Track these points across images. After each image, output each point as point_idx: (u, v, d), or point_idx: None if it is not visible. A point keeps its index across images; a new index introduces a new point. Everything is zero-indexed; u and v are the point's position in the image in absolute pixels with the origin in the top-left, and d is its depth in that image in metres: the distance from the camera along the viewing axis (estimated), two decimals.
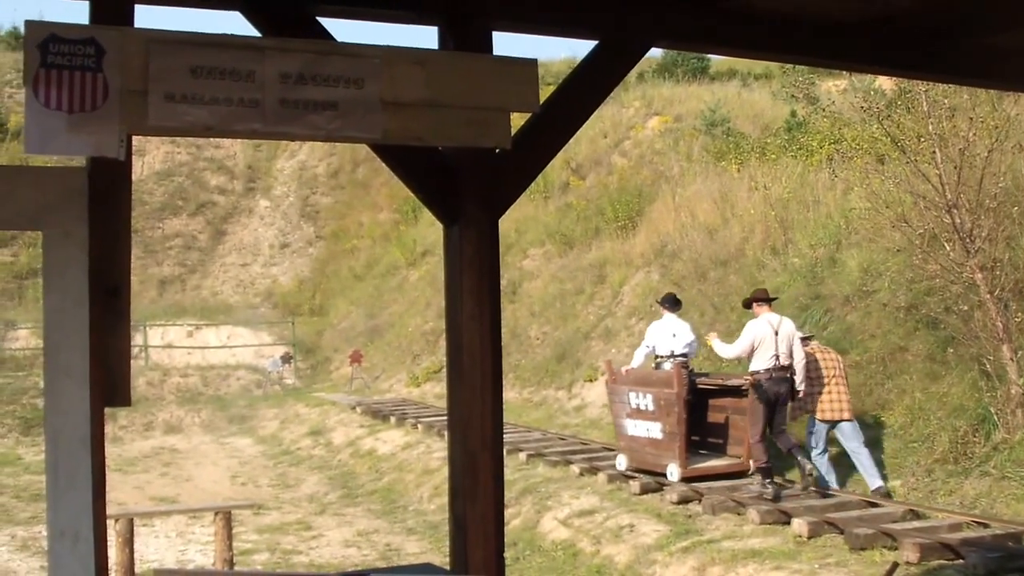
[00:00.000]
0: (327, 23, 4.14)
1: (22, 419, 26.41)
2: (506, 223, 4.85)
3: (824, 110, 23.78)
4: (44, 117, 3.16)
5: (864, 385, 14.89)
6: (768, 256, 20.00)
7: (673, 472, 13.90)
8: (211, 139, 40.33)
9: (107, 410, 3.69)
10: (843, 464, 13.54)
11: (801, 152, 23.69)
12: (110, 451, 3.92)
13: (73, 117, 3.18)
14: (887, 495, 12.72)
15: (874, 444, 13.97)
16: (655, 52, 21.04)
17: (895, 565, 9.40)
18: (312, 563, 13.87)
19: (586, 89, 4.65)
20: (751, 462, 13.92)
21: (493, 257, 4.36)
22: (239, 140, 40.47)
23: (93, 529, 3.57)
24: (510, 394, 22.42)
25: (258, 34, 3.95)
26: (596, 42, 4.64)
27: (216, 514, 12.71)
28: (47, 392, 3.61)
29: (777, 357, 12.77)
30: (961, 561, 9.90)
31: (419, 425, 21.60)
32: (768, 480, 12.71)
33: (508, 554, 4.39)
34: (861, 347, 15.58)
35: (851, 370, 15.08)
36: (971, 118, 13.39)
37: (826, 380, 13.27)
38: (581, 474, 15.51)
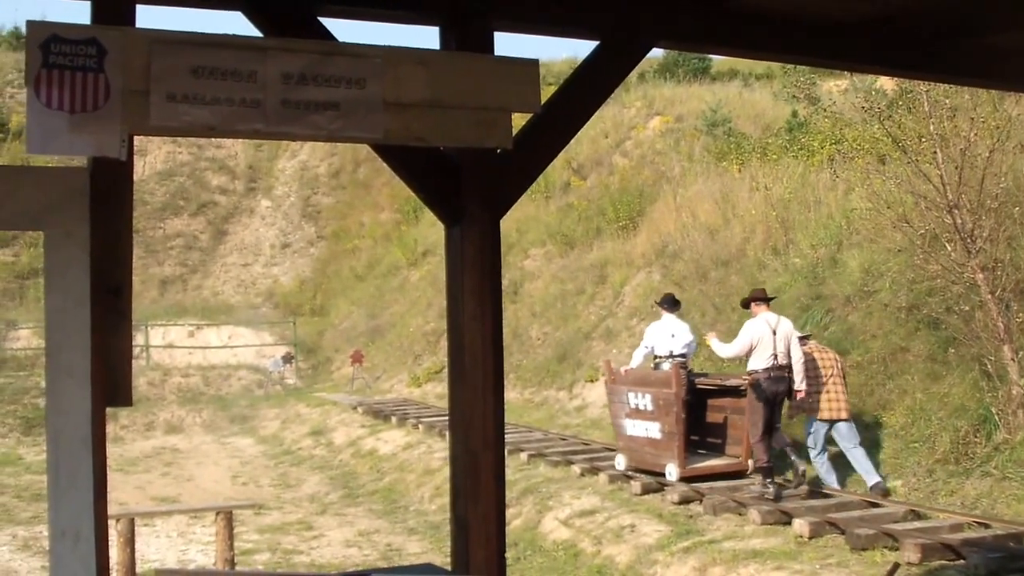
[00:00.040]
0: (328, 23, 4.15)
1: (23, 419, 26.42)
2: (507, 223, 4.85)
3: (825, 110, 23.74)
4: (46, 117, 3.16)
5: (865, 385, 14.89)
6: (769, 256, 19.99)
7: (672, 472, 13.92)
8: (212, 139, 40.34)
9: (108, 410, 3.69)
10: (843, 464, 13.54)
11: (802, 152, 23.69)
12: (111, 451, 3.92)
13: (75, 117, 3.18)
14: (885, 492, 12.76)
15: (875, 444, 13.98)
16: (656, 52, 21.05)
17: (896, 565, 9.40)
18: (313, 563, 13.87)
19: (587, 89, 4.65)
20: (750, 462, 13.95)
21: (495, 257, 4.36)
22: (240, 140, 40.48)
23: (94, 529, 3.58)
24: (511, 394, 22.42)
25: (260, 34, 3.95)
26: (597, 42, 4.64)
27: (217, 514, 12.71)
28: (48, 392, 3.61)
29: (775, 356, 12.78)
30: (962, 561, 9.90)
31: (420, 425, 21.60)
32: (769, 480, 12.72)
33: (509, 554, 4.39)
34: (862, 347, 15.58)
35: (852, 370, 15.08)
36: (972, 118, 13.39)
37: (824, 380, 13.28)
38: (582, 474, 15.51)
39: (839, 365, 13.59)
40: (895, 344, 15.13)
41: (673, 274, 22.31)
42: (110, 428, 3.86)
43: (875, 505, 12.05)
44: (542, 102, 4.06)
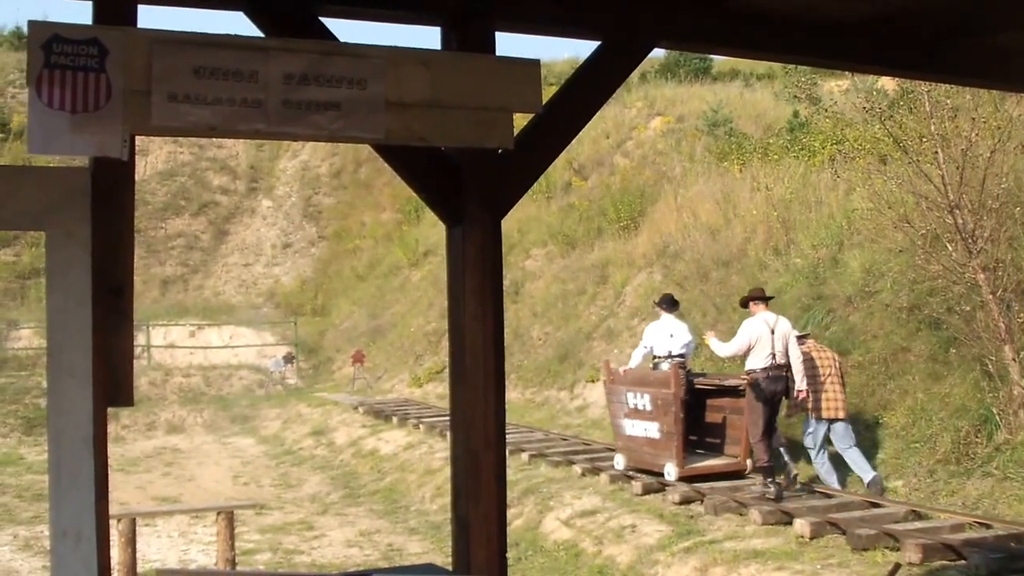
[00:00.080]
0: (330, 23, 4.15)
1: (24, 419, 26.43)
2: (508, 223, 4.85)
3: (826, 110, 23.74)
4: (47, 117, 3.17)
5: (866, 385, 14.89)
6: (770, 256, 19.99)
7: (670, 472, 13.94)
8: (214, 139, 40.35)
9: (109, 410, 3.69)
10: (842, 464, 13.56)
11: (803, 152, 23.69)
12: (112, 451, 3.93)
13: (76, 117, 3.19)
14: (883, 488, 12.85)
15: (876, 444, 13.99)
16: (657, 52, 21.02)
17: (897, 566, 9.40)
18: (314, 563, 13.87)
19: (589, 89, 4.65)
20: (748, 461, 13.97)
21: (496, 257, 4.36)
22: (242, 140, 40.48)
23: (96, 529, 3.58)
24: (512, 394, 22.41)
25: (261, 34, 3.95)
26: (599, 42, 4.64)
27: (218, 514, 12.71)
28: (50, 392, 3.61)
29: (773, 356, 12.80)
30: (963, 562, 9.89)
31: (421, 425, 21.60)
32: (770, 480, 12.72)
33: (510, 554, 4.39)
34: (863, 347, 15.58)
35: (853, 370, 15.08)
36: (973, 118, 13.39)
37: (822, 379, 13.31)
38: (583, 474, 15.51)
39: (837, 364, 13.62)
40: (896, 344, 15.13)
41: (674, 274, 22.30)
42: (111, 428, 3.86)
43: (876, 505, 12.05)
44: (543, 102, 4.06)
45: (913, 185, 14.26)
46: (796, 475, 13.03)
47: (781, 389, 12.90)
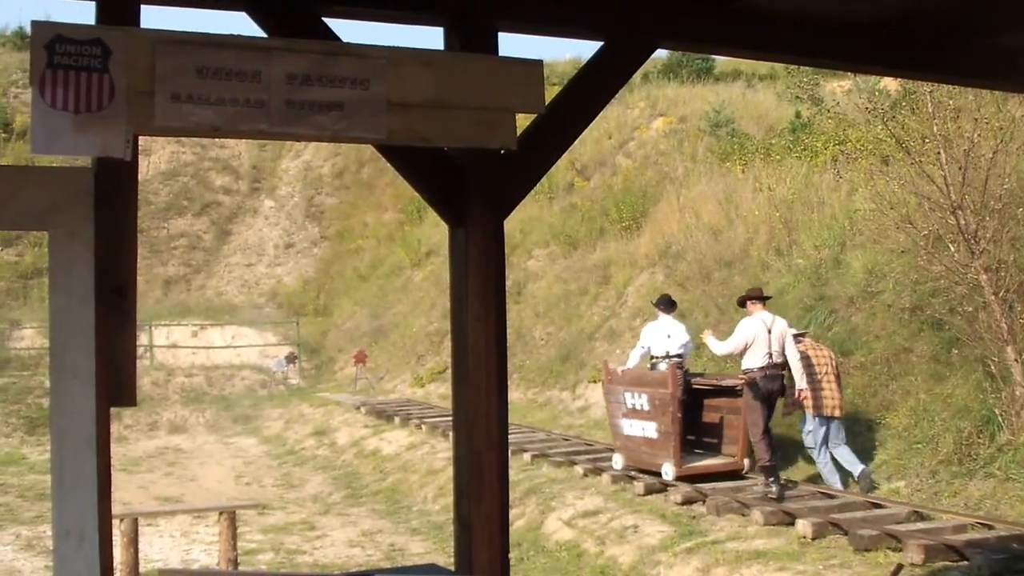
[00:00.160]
0: (332, 23, 4.15)
1: (27, 419, 26.44)
2: (511, 224, 4.85)
3: (829, 111, 23.73)
4: (50, 117, 3.17)
5: (868, 386, 14.89)
6: (772, 257, 19.98)
7: (668, 471, 13.99)
8: (216, 139, 40.36)
9: (112, 410, 3.69)
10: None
11: (805, 153, 23.67)
12: (115, 451, 3.94)
13: (79, 117, 3.19)
14: (871, 482, 13.00)
15: (878, 445, 13.99)
16: (660, 53, 20.97)
17: (899, 566, 9.40)
18: (316, 563, 13.87)
19: (592, 90, 4.65)
20: (746, 461, 13.99)
21: (498, 258, 4.36)
22: (244, 140, 40.49)
23: (98, 529, 3.58)
24: (514, 395, 22.41)
25: (264, 34, 3.96)
26: (602, 43, 4.64)
27: (220, 514, 12.72)
28: (53, 392, 3.61)
29: (771, 355, 12.86)
30: (966, 563, 9.89)
31: (423, 425, 21.60)
32: (772, 479, 12.72)
33: (512, 554, 4.39)
34: (865, 348, 15.57)
35: (855, 371, 15.08)
36: (976, 119, 13.38)
37: (819, 377, 13.34)
38: (585, 475, 15.51)
39: (833, 363, 13.66)
40: (898, 345, 15.12)
41: (676, 275, 22.30)
42: (113, 428, 3.86)
43: (878, 506, 12.05)
44: (546, 103, 4.06)
45: (915, 186, 14.25)
46: (784, 481, 13.13)
47: (778, 388, 12.99)
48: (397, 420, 22.96)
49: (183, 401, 30.51)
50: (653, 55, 5.14)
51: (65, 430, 3.56)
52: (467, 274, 4.28)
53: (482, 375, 4.28)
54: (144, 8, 3.78)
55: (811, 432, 13.44)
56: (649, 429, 14.35)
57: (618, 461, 15.07)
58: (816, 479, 13.75)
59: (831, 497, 12.69)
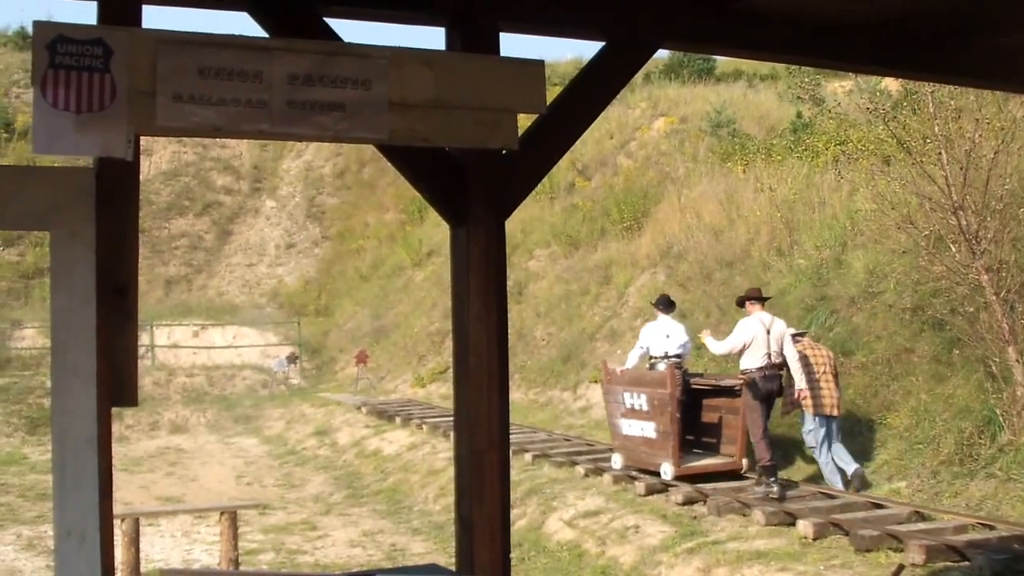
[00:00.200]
0: (334, 23, 4.16)
1: (28, 418, 26.44)
2: (512, 224, 4.85)
3: (830, 111, 23.79)
4: (52, 117, 3.17)
5: (870, 386, 14.89)
6: (774, 257, 19.98)
7: (667, 471, 14.01)
8: (218, 139, 40.37)
9: (113, 409, 3.69)
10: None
11: (807, 153, 23.67)
12: (116, 450, 3.94)
13: (81, 117, 3.19)
14: (863, 481, 13.05)
15: (879, 445, 13.98)
16: (661, 53, 20.98)
17: (901, 567, 9.40)
18: (317, 563, 13.88)
19: (593, 90, 4.65)
20: (744, 461, 14.00)
21: (500, 258, 4.37)
22: (246, 140, 40.49)
23: (100, 529, 3.58)
24: (515, 395, 22.41)
25: (265, 34, 3.96)
26: (603, 43, 4.64)
27: (221, 514, 12.72)
28: (54, 391, 3.61)
29: (769, 356, 12.91)
30: (967, 563, 9.89)
31: (424, 426, 21.60)
32: (773, 479, 12.73)
33: (513, 555, 4.39)
34: (867, 348, 15.57)
35: (856, 371, 15.08)
36: (977, 119, 13.39)
37: (817, 376, 13.36)
38: (586, 475, 15.52)
39: (831, 362, 13.68)
40: (899, 345, 15.12)
41: (677, 275, 22.30)
42: (115, 428, 3.87)
43: (879, 506, 12.04)
44: (547, 103, 4.06)
45: (917, 186, 14.25)
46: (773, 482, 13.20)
47: (777, 388, 13.04)
48: (398, 420, 22.96)
49: (184, 401, 30.52)
50: (654, 55, 5.14)
51: (66, 430, 3.56)
52: (468, 274, 4.29)
53: (483, 375, 4.28)
54: (145, 8, 3.78)
55: (812, 431, 13.46)
56: (648, 429, 14.38)
57: (617, 461, 15.11)
58: (816, 479, 13.76)
59: (832, 497, 12.69)
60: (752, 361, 12.97)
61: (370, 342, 33.25)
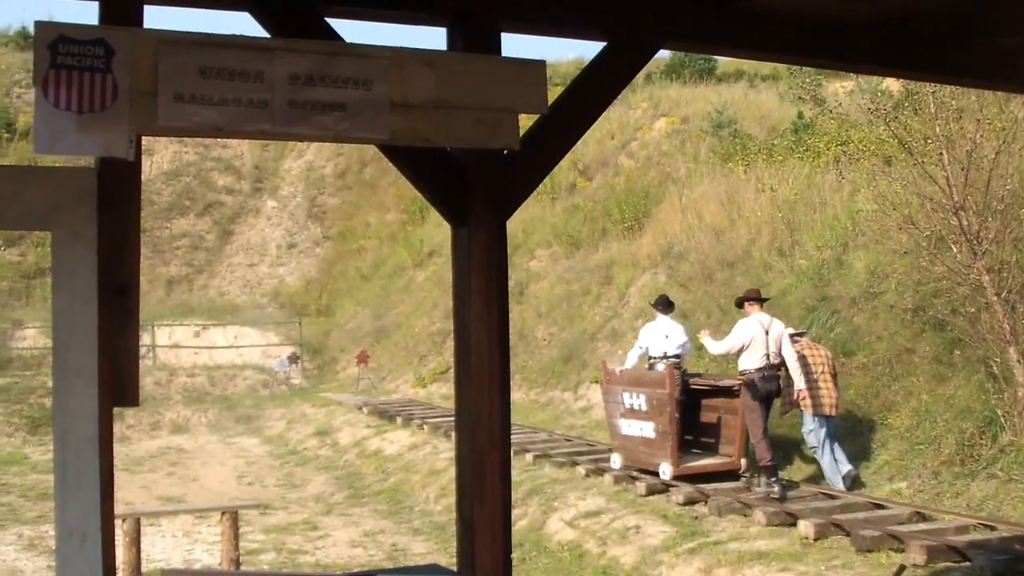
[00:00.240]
0: (335, 23, 4.16)
1: (29, 418, 26.43)
2: (513, 224, 4.85)
3: (831, 111, 23.76)
4: (53, 117, 3.17)
5: (871, 387, 14.88)
6: (775, 258, 19.98)
7: (665, 471, 14.04)
8: (219, 139, 40.38)
9: (114, 410, 3.69)
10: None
11: (808, 154, 23.67)
12: (117, 450, 3.93)
13: (82, 117, 3.19)
14: (854, 481, 13.11)
15: (880, 446, 13.98)
16: (663, 53, 20.97)
17: (902, 567, 9.41)
18: (318, 563, 13.88)
19: (595, 90, 4.65)
20: (743, 461, 14.01)
21: (501, 258, 4.37)
22: (247, 140, 40.50)
23: (101, 529, 3.58)
24: (517, 395, 22.41)
25: (267, 35, 3.96)
26: (604, 43, 4.64)
27: (223, 514, 12.72)
28: (56, 391, 3.61)
29: (768, 356, 12.95)
30: (968, 563, 9.89)
31: (425, 426, 21.61)
32: (774, 479, 12.74)
33: (514, 555, 4.39)
34: (868, 349, 15.57)
35: (857, 372, 15.08)
36: (978, 120, 13.38)
37: (815, 376, 13.38)
38: (587, 475, 15.52)
39: (830, 362, 13.70)
40: (901, 346, 15.12)
41: (679, 275, 22.30)
42: (116, 428, 3.87)
43: (880, 507, 12.04)
44: (549, 103, 4.06)
45: (918, 186, 14.25)
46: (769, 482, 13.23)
47: (775, 388, 13.08)
48: (399, 420, 22.97)
49: (185, 401, 30.52)
50: (656, 56, 5.14)
51: (68, 430, 3.56)
52: (470, 274, 4.29)
53: (485, 375, 4.28)
54: (147, 8, 3.78)
55: (812, 431, 13.47)
56: (647, 429, 14.41)
57: (616, 461, 15.16)
58: (817, 479, 13.76)
59: (833, 498, 12.69)
60: (751, 362, 13.01)
61: (371, 342, 33.25)
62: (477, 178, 4.26)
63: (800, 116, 27.87)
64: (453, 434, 4.57)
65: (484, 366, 4.28)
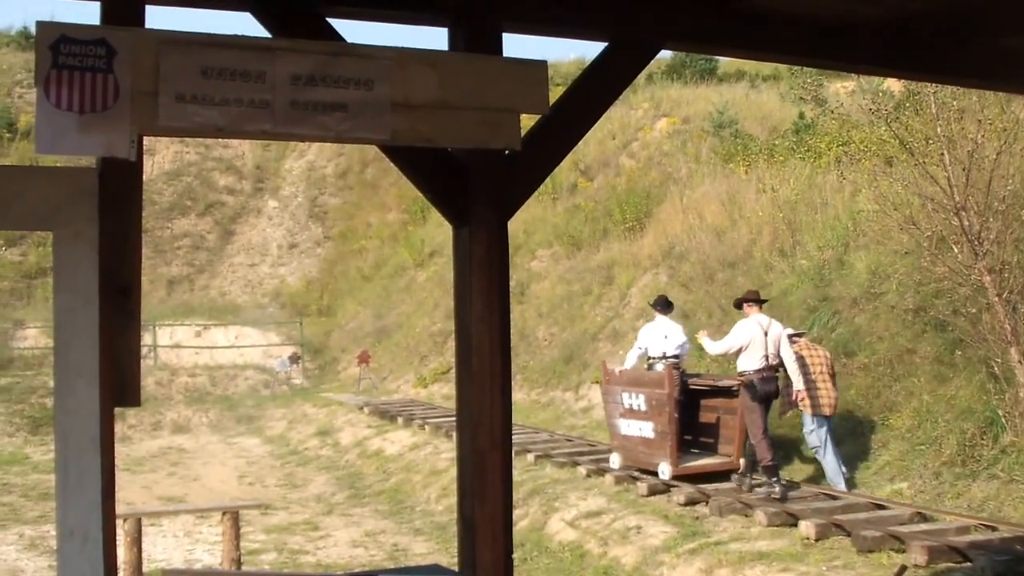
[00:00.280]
0: (337, 24, 4.15)
1: (30, 418, 26.42)
2: (514, 224, 4.85)
3: (832, 112, 23.75)
4: (55, 117, 3.18)
5: (872, 387, 14.88)
6: (776, 258, 19.98)
7: (664, 470, 14.07)
8: (220, 139, 40.39)
9: (116, 410, 3.69)
10: (850, 465, 13.58)
11: (809, 154, 23.67)
12: (118, 450, 3.93)
13: (84, 117, 3.19)
14: (848, 481, 13.21)
15: (881, 446, 13.98)
16: (664, 54, 20.95)
17: (903, 568, 9.41)
18: (319, 563, 13.88)
19: (596, 90, 4.65)
20: (741, 461, 14.02)
21: (502, 258, 4.36)
22: (248, 140, 40.50)
23: (102, 529, 3.58)
24: (518, 395, 22.40)
25: (268, 35, 3.96)
26: (606, 43, 4.64)
27: (224, 514, 12.73)
28: (57, 392, 3.61)
29: (766, 358, 12.97)
30: (969, 564, 9.88)
31: (426, 426, 21.61)
32: (775, 479, 12.75)
33: (515, 555, 4.37)
34: (869, 349, 15.56)
35: (859, 372, 15.08)
36: (980, 120, 13.38)
37: (813, 377, 13.39)
38: (588, 475, 15.52)
39: (828, 363, 13.71)
40: (902, 346, 15.11)
41: (680, 275, 22.30)
42: (117, 427, 3.86)
43: (882, 507, 12.04)
44: (550, 103, 4.06)
45: (919, 187, 14.25)
46: (754, 485, 13.22)
47: (774, 390, 13.10)
48: (400, 420, 22.97)
49: (187, 401, 30.52)
50: (657, 56, 5.14)
51: (69, 430, 3.56)
52: (471, 274, 4.28)
53: (486, 375, 4.28)
54: (148, 8, 3.78)
55: (813, 432, 13.47)
56: (646, 429, 14.45)
57: (615, 460, 15.22)
58: (818, 479, 13.76)
59: (834, 498, 12.68)
60: (750, 363, 13.03)
61: (372, 342, 33.25)
62: (478, 178, 4.26)
63: (801, 116, 27.87)
64: (454, 434, 4.56)
65: (485, 366, 4.28)
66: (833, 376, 13.71)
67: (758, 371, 12.96)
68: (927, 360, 14.56)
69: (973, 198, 13.29)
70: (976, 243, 13.12)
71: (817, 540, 11.11)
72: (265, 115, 3.45)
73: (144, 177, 4.22)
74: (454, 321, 4.50)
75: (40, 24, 3.20)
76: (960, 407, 13.27)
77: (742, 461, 14.03)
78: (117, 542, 3.75)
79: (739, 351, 13.16)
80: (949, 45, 5.48)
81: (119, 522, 10.31)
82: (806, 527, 11.35)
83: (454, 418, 4.56)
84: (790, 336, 13.50)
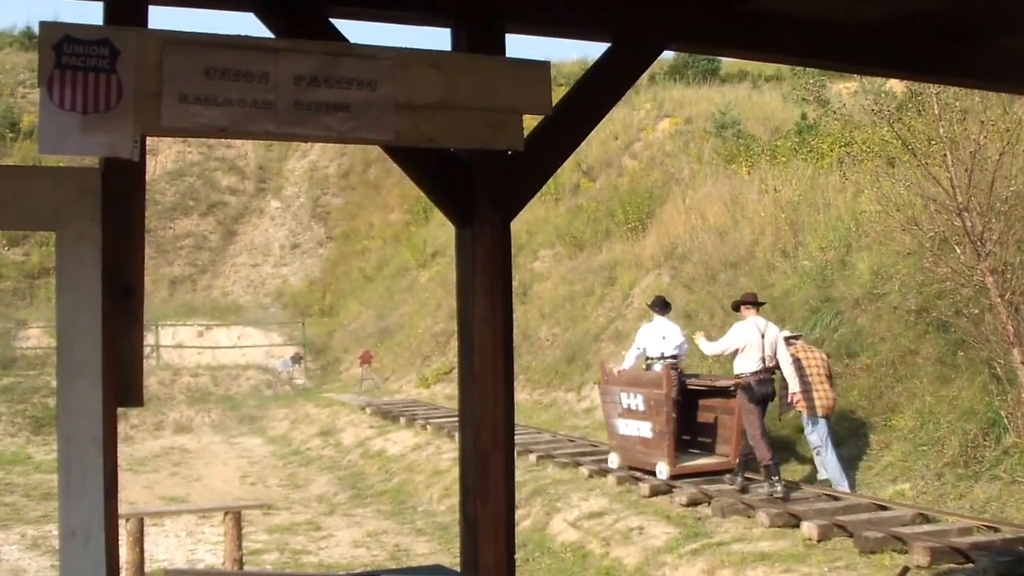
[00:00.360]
0: (340, 24, 4.15)
1: (33, 418, 26.44)
2: (517, 224, 4.85)
3: (835, 112, 23.73)
4: (58, 117, 3.18)
5: (874, 388, 14.88)
6: (778, 259, 19.97)
7: (662, 470, 14.13)
8: (223, 139, 40.39)
9: (118, 410, 3.69)
10: (852, 466, 13.57)
11: (811, 155, 23.65)
12: (120, 450, 3.93)
13: (87, 118, 3.20)
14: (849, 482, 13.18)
15: (883, 447, 13.97)
16: (666, 54, 20.99)
17: (905, 569, 9.40)
18: (321, 563, 13.88)
19: (599, 91, 4.65)
20: (738, 460, 14.03)
21: (505, 258, 4.36)
22: (251, 141, 40.51)
23: (104, 528, 3.58)
24: (520, 395, 22.39)
25: (271, 35, 3.96)
26: (609, 44, 4.64)
27: (226, 514, 12.73)
28: (60, 392, 3.61)
29: (763, 360, 13.01)
30: (971, 565, 9.87)
31: (429, 426, 21.61)
32: (776, 478, 12.76)
33: (518, 555, 4.37)
34: (871, 350, 15.56)
35: (861, 373, 15.08)
36: (982, 121, 13.36)
37: (810, 379, 13.41)
38: (590, 476, 15.51)
39: (824, 365, 13.74)
40: (904, 347, 15.11)
41: (682, 276, 22.30)
42: (120, 427, 3.86)
43: (884, 508, 12.03)
44: (553, 104, 4.06)
45: (921, 188, 14.24)
46: (747, 487, 13.24)
47: (770, 391, 13.15)
48: (402, 421, 22.97)
49: (189, 401, 30.52)
50: (660, 56, 5.14)
51: (72, 430, 3.56)
52: (473, 274, 4.29)
53: (488, 375, 4.28)
54: (151, 8, 3.78)
55: (813, 433, 13.47)
56: (644, 429, 14.50)
57: (614, 460, 15.28)
58: (811, 479, 13.77)
59: (836, 499, 12.68)
60: (746, 365, 13.08)
61: (375, 342, 33.26)
62: (481, 179, 4.26)
63: (804, 117, 27.86)
64: (456, 434, 4.56)
65: (488, 366, 4.28)
66: (830, 378, 13.72)
67: (755, 373, 13.00)
68: (929, 361, 14.55)
69: (975, 199, 13.28)
70: (978, 244, 13.11)
71: (819, 541, 11.11)
72: (268, 115, 3.45)
73: (147, 177, 4.22)
74: (457, 321, 4.50)
75: (43, 24, 3.20)
76: (962, 408, 13.26)
77: (737, 461, 14.06)
78: (119, 542, 3.76)
79: (735, 353, 13.20)
80: (949, 45, 5.48)
81: (121, 522, 10.31)
82: (808, 528, 11.34)
83: (456, 418, 4.56)
84: (787, 338, 13.53)
